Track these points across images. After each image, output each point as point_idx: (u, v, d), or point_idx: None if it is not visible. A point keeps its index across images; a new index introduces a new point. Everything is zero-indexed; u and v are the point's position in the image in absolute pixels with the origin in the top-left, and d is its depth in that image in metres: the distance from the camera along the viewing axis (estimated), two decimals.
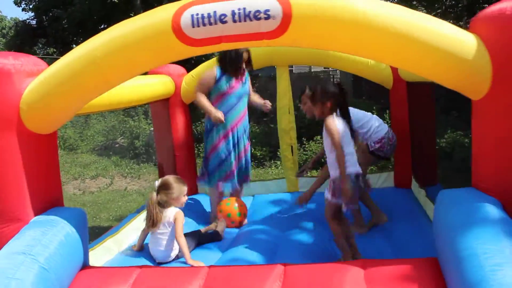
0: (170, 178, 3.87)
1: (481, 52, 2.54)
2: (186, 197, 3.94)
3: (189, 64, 6.18)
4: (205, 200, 5.39)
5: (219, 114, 4.45)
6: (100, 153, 11.70)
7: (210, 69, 4.68)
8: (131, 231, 4.40)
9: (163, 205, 3.77)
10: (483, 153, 2.69)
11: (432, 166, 5.29)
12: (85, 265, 3.04)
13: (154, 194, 3.75)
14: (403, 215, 4.44)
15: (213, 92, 4.61)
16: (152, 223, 3.73)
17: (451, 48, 2.52)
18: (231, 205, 4.67)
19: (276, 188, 5.84)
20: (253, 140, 10.19)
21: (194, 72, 5.43)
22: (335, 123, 3.48)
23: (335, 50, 3.15)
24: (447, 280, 2.36)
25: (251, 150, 4.93)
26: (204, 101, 4.57)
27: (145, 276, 2.79)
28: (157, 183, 3.82)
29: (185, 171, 5.50)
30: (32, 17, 19.50)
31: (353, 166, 3.49)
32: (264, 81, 13.96)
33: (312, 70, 18.19)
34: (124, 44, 2.73)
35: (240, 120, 4.69)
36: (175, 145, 5.50)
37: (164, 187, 3.78)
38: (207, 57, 9.19)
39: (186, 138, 5.55)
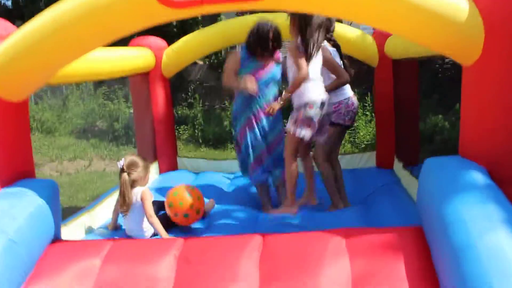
0: (135, 157, 3.71)
1: (474, 14, 2.43)
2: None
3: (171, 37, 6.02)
4: (184, 176, 5.29)
5: (248, 83, 3.91)
6: (78, 136, 11.42)
7: (234, 51, 4.22)
8: (107, 208, 4.26)
9: (132, 185, 3.61)
10: (471, 120, 2.62)
11: (415, 145, 5.25)
12: (57, 239, 2.91)
13: (126, 174, 3.57)
14: (384, 194, 4.38)
15: (238, 76, 4.10)
16: (126, 205, 3.57)
17: (442, 9, 2.40)
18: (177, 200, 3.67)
19: None
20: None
21: (175, 45, 5.30)
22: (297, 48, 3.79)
23: (319, 13, 3.05)
24: (432, 248, 2.30)
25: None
26: (231, 80, 4.07)
27: (119, 248, 2.68)
28: (121, 163, 3.62)
29: (164, 146, 5.41)
30: None
31: (319, 94, 3.83)
32: None
33: None
34: (96, 6, 2.56)
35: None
36: (155, 120, 5.37)
37: (133, 166, 3.61)
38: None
39: (166, 113, 5.43)
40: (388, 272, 2.28)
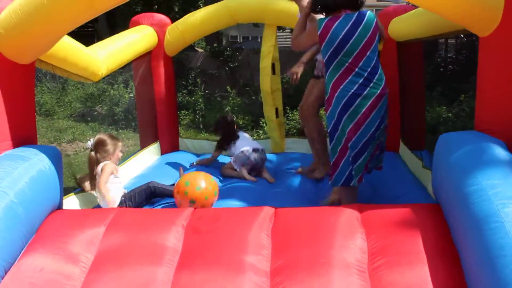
0: (103, 135, 3.79)
1: None
2: (121, 153, 3.88)
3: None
4: (184, 158, 5.20)
5: None
6: (77, 119, 11.31)
7: None
8: None
9: (99, 162, 3.69)
10: (488, 93, 2.54)
11: (421, 130, 5.17)
12: (59, 208, 2.82)
13: (93, 153, 3.70)
14: (390, 176, 4.28)
15: None
16: (95, 182, 3.66)
17: None
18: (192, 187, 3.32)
19: None
20: (235, 109, 9.99)
21: (179, 22, 5.18)
22: None
23: None
24: (451, 222, 2.23)
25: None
26: None
27: (123, 216, 2.59)
28: (91, 142, 3.75)
29: (166, 127, 5.29)
30: None
31: None
32: (247, 54, 13.67)
33: None
34: None
35: None
36: (156, 99, 5.22)
37: (100, 145, 3.70)
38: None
39: (168, 93, 5.28)
40: (405, 244, 2.20)
